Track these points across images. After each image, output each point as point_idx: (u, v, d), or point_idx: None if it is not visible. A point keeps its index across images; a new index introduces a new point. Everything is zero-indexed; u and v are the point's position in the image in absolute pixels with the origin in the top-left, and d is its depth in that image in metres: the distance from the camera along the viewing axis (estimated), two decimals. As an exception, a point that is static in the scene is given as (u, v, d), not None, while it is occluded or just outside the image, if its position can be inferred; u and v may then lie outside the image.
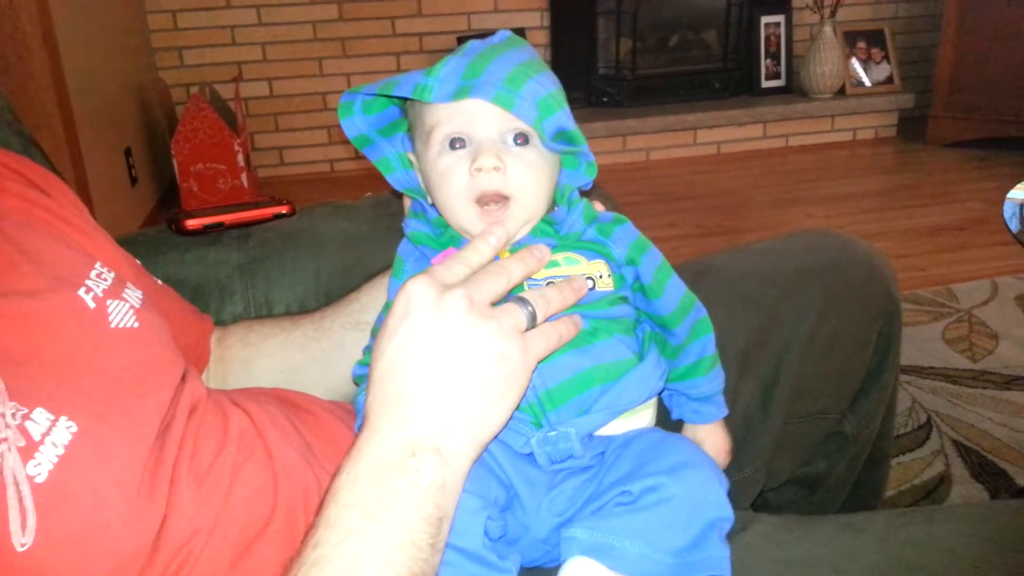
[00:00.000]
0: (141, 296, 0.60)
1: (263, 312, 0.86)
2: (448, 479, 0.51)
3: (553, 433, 0.57)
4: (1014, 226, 1.31)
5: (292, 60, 3.36)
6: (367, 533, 0.47)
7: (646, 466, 0.55)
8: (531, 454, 0.57)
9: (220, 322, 0.81)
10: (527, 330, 0.54)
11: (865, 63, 3.68)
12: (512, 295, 0.56)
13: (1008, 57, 3.27)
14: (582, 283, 0.59)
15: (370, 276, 0.75)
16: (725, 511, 0.55)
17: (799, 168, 3.40)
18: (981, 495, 1.41)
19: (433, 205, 0.64)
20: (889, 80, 3.68)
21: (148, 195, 2.94)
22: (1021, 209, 1.36)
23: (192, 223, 0.91)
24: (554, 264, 0.60)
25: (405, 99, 0.63)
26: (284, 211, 0.96)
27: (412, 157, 0.65)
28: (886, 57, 3.69)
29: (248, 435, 0.57)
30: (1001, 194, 1.43)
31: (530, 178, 0.60)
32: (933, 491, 1.43)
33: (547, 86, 0.60)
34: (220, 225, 0.93)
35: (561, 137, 0.60)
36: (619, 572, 0.52)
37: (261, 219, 0.95)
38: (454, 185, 0.59)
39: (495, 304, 0.55)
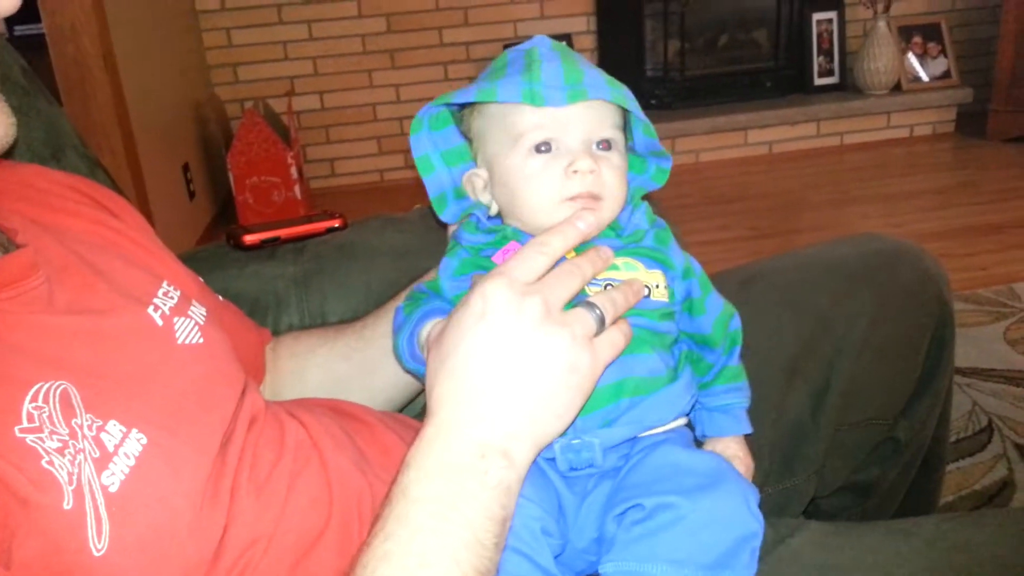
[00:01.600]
0: (205, 312, 0.63)
1: (317, 323, 0.89)
2: (512, 481, 0.52)
3: (577, 441, 0.57)
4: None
5: (342, 73, 3.43)
6: (437, 530, 0.49)
7: (664, 483, 0.55)
8: (550, 460, 0.58)
9: (277, 334, 0.84)
10: (596, 335, 0.55)
11: (921, 58, 3.60)
12: (580, 298, 0.56)
13: (1072, 47, 3.16)
14: (640, 286, 0.60)
15: (412, 282, 0.77)
16: (751, 526, 0.54)
17: (854, 167, 3.33)
18: (1045, 501, 1.37)
19: (493, 216, 0.65)
20: (946, 75, 3.59)
21: (206, 209, 3.02)
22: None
23: (250, 238, 0.95)
24: (614, 268, 0.60)
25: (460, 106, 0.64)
26: (337, 224, 0.99)
27: (478, 172, 0.65)
28: (943, 51, 3.60)
29: (304, 445, 0.60)
30: (1064, 190, 1.39)
31: (618, 180, 0.61)
32: (995, 496, 1.40)
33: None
34: (276, 239, 0.96)
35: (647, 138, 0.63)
36: None
37: (315, 233, 0.98)
38: (546, 187, 0.60)
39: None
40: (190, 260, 0.76)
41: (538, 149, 0.60)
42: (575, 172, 0.59)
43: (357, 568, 0.49)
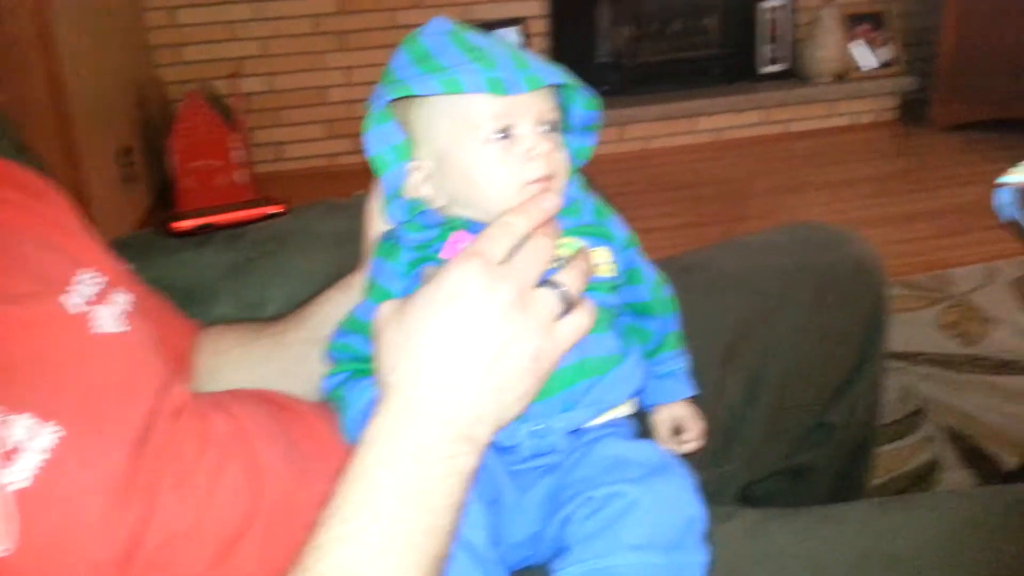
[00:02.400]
0: (129, 300, 0.61)
1: (253, 315, 0.87)
2: (474, 467, 0.52)
3: (541, 426, 0.57)
4: (1006, 213, 1.31)
5: (291, 55, 3.36)
6: (399, 516, 0.48)
7: (610, 474, 0.56)
8: (511, 448, 0.58)
9: (208, 326, 0.82)
10: (561, 313, 0.55)
11: (867, 46, 3.66)
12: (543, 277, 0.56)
13: (1009, 38, 3.24)
14: (589, 253, 0.60)
15: (325, 287, 0.75)
16: (696, 509, 0.56)
17: (800, 154, 3.38)
18: (970, 481, 1.42)
19: (437, 210, 0.63)
20: (891, 63, 3.66)
21: (145, 194, 2.94)
22: (1016, 193, 1.36)
23: (182, 225, 0.93)
24: (558, 246, 0.59)
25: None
26: (277, 210, 0.97)
27: (421, 164, 0.62)
28: (888, 40, 3.66)
29: (231, 438, 0.58)
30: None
31: (565, 159, 0.62)
32: (923, 478, 1.44)
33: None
34: (211, 226, 0.94)
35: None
36: None
37: (253, 219, 0.96)
38: (508, 172, 0.59)
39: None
40: (119, 246, 0.74)
41: (498, 136, 0.59)
42: (534, 156, 0.59)
43: (308, 550, 0.48)
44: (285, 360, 0.74)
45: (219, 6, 3.26)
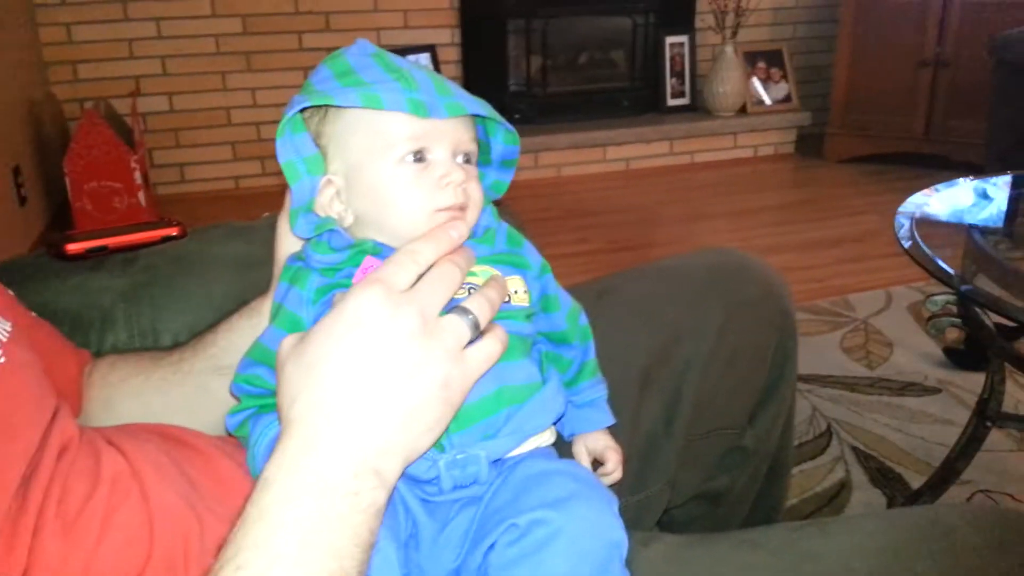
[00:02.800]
0: (10, 329, 0.56)
1: (148, 341, 0.82)
2: (382, 503, 0.49)
3: (462, 456, 0.55)
4: (905, 240, 1.37)
5: (194, 74, 3.26)
6: (300, 559, 0.44)
7: (530, 496, 0.54)
8: (432, 480, 0.56)
9: (101, 354, 0.76)
10: (470, 340, 0.53)
11: (765, 82, 3.81)
12: (452, 303, 0.54)
13: (897, 77, 3.45)
14: (503, 279, 0.59)
15: (229, 313, 0.71)
16: (618, 533, 0.54)
17: (705, 184, 3.49)
18: (879, 500, 1.46)
19: (345, 229, 0.61)
20: (787, 99, 3.83)
21: (38, 216, 2.79)
22: (911, 223, 1.42)
23: (73, 247, 0.86)
24: (472, 275, 0.59)
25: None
26: (174, 233, 0.92)
27: (333, 181, 0.60)
28: (784, 77, 3.83)
29: (123, 477, 0.54)
30: (893, 207, 1.49)
31: (480, 191, 0.61)
32: (834, 498, 1.48)
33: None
34: (104, 249, 0.88)
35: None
36: None
37: (149, 242, 0.90)
38: (420, 196, 0.58)
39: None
40: (3, 270, 0.68)
41: (412, 159, 0.58)
42: (448, 184, 0.58)
43: None
44: (185, 391, 0.69)
45: (118, 23, 3.15)
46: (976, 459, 1.38)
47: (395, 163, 0.58)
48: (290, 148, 0.59)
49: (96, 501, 0.51)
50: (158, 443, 0.59)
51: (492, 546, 0.53)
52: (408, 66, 0.59)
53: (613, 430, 0.71)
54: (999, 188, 1.67)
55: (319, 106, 0.60)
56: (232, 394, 0.61)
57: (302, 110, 0.59)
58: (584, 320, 0.68)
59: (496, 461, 0.58)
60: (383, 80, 0.57)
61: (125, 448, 0.56)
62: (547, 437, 0.62)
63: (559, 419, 0.63)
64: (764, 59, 3.82)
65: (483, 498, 0.57)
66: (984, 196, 1.61)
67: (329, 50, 0.62)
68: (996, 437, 1.49)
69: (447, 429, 0.55)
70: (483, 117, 0.63)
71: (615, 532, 0.54)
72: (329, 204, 0.61)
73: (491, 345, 0.54)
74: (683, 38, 3.73)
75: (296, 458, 0.48)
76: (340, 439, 0.48)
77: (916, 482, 1.48)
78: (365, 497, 0.48)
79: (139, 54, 3.20)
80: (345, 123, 0.60)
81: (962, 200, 1.57)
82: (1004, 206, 1.62)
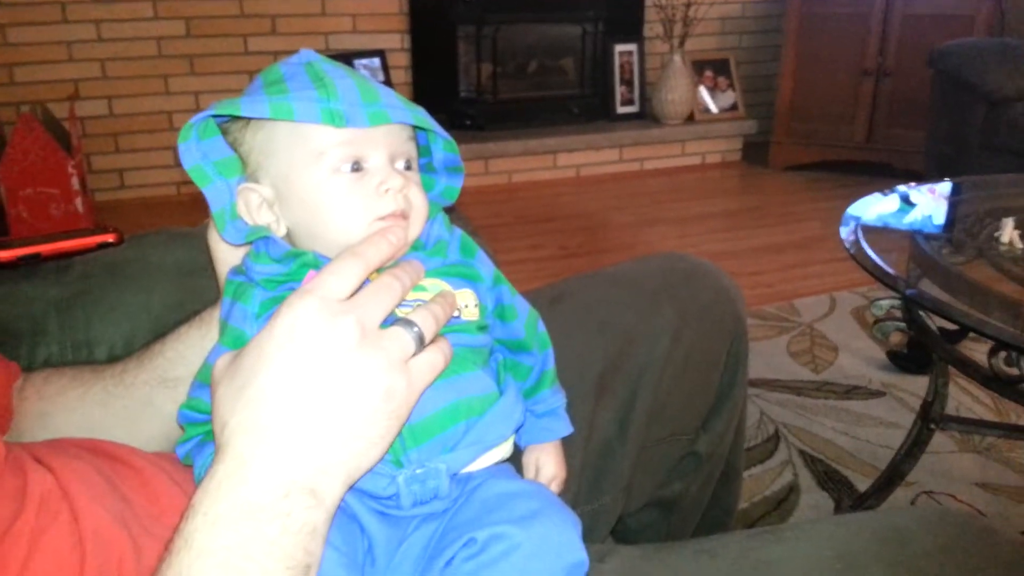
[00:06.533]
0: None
1: (82, 354, 0.78)
2: (320, 523, 0.47)
3: (421, 471, 0.54)
4: (850, 245, 1.39)
5: (135, 77, 3.18)
6: None
7: (493, 513, 0.53)
8: (391, 497, 0.54)
9: (32, 367, 0.73)
10: (414, 354, 0.51)
11: (712, 91, 3.87)
12: (390, 319, 0.52)
13: (840, 86, 3.53)
14: (452, 295, 0.58)
15: (177, 324, 0.68)
16: (579, 555, 0.53)
17: (654, 190, 3.52)
18: (827, 503, 1.48)
19: (282, 238, 0.59)
20: (734, 107, 3.89)
21: (-29, 222, 2.69)
22: (856, 228, 1.44)
23: (3, 255, 0.82)
24: (421, 288, 0.57)
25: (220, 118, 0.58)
26: (110, 239, 0.88)
27: (257, 189, 0.58)
28: (731, 85, 3.89)
29: (51, 497, 0.51)
30: (837, 214, 1.51)
31: (423, 198, 0.60)
32: (783, 501, 1.49)
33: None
34: (36, 257, 0.84)
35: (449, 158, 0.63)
36: None
37: (83, 249, 0.86)
38: (357, 206, 0.56)
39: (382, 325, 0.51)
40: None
41: (349, 168, 0.56)
42: (386, 191, 0.57)
43: None
44: (127, 404, 0.66)
45: (56, 25, 3.05)
46: (920, 461, 1.40)
47: (329, 172, 0.56)
48: (195, 153, 0.58)
49: (22, 523, 0.48)
50: (90, 460, 0.56)
51: (450, 561, 0.51)
52: (338, 74, 0.57)
53: (568, 438, 0.70)
54: (940, 194, 1.71)
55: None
56: (178, 423, 0.58)
57: (217, 117, 0.58)
58: (542, 327, 0.67)
59: (456, 476, 0.56)
60: (303, 89, 0.55)
61: (54, 466, 0.53)
62: (508, 448, 0.61)
63: (518, 428, 0.62)
64: (711, 68, 3.87)
65: (445, 514, 0.55)
66: (925, 202, 1.65)
67: (275, 54, 0.60)
68: (939, 439, 1.52)
69: (404, 445, 0.54)
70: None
71: (576, 554, 0.53)
72: (257, 212, 0.59)
73: (433, 355, 0.52)
74: (632, 46, 3.76)
75: (223, 483, 0.46)
76: (271, 460, 0.46)
77: (862, 484, 1.50)
78: (298, 518, 0.46)
79: (78, 57, 3.11)
80: (267, 133, 0.58)
81: (904, 206, 1.61)
82: (945, 212, 1.66)
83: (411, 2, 3.43)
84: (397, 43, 3.47)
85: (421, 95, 3.46)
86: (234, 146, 0.59)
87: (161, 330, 0.75)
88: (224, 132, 0.59)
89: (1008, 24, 3.21)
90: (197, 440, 0.57)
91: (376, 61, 3.41)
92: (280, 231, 0.59)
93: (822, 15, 3.51)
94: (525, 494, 0.56)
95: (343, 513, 0.52)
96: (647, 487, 0.89)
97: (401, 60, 3.49)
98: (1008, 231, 1.40)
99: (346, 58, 3.22)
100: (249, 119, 0.58)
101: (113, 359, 0.73)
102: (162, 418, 0.62)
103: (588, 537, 0.57)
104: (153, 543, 0.50)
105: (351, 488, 0.51)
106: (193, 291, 0.83)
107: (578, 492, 0.79)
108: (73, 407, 0.66)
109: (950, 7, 3.29)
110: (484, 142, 3.44)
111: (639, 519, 0.94)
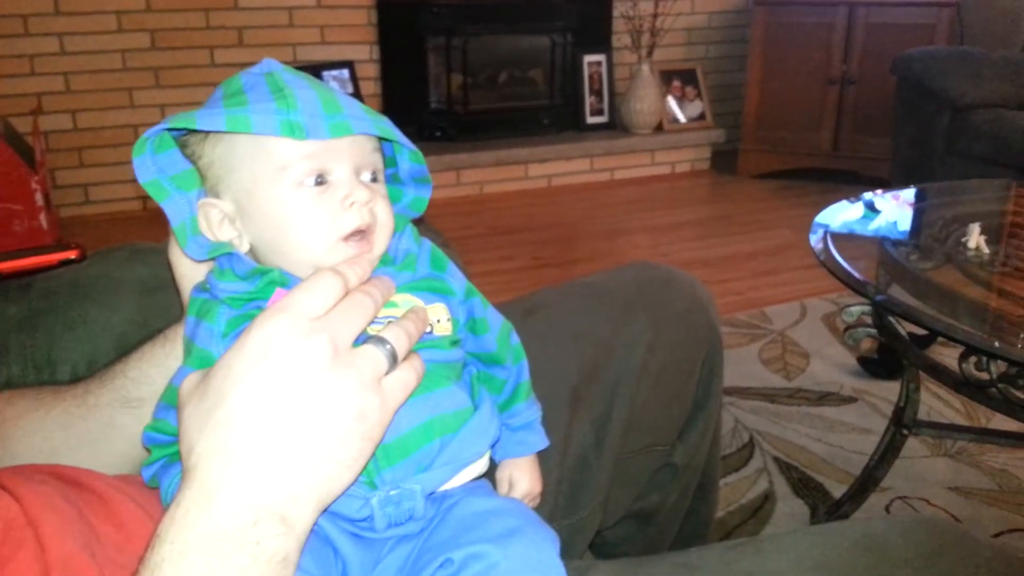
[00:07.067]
0: None
1: (44, 374, 0.76)
2: (291, 550, 0.45)
3: (396, 492, 0.52)
4: (820, 252, 1.40)
5: (99, 91, 3.13)
6: None
7: (470, 532, 0.52)
8: (365, 519, 0.52)
9: (-9, 389, 0.70)
10: (387, 372, 0.50)
11: (680, 100, 3.90)
12: (363, 337, 0.51)
13: (806, 95, 3.58)
14: (424, 311, 0.56)
15: (141, 342, 0.67)
16: (558, 572, 0.52)
17: (625, 200, 3.53)
18: (802, 510, 1.48)
19: (245, 254, 0.57)
20: (702, 116, 3.92)
21: (-71, 239, 2.62)
22: (825, 235, 1.46)
23: (-41, 274, 0.80)
24: (392, 305, 0.56)
25: (183, 132, 0.57)
26: (72, 256, 0.86)
27: (217, 204, 0.57)
28: (699, 95, 3.92)
29: (16, 524, 0.49)
30: (806, 221, 1.53)
31: (389, 211, 0.58)
32: (759, 509, 1.49)
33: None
34: (-4, 275, 0.82)
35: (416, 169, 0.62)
36: None
37: (45, 266, 0.84)
38: (322, 220, 0.55)
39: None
40: None
41: (313, 181, 0.55)
42: (352, 204, 0.55)
43: None
44: (89, 426, 0.64)
45: (17, 38, 3.00)
46: (893, 466, 1.41)
47: (293, 187, 0.55)
48: (151, 167, 0.56)
49: (-18, 553, 0.46)
50: (56, 486, 0.54)
51: None
52: (299, 84, 0.55)
53: (544, 452, 0.69)
54: (906, 201, 1.74)
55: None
56: (143, 445, 0.56)
57: (173, 130, 0.56)
58: (516, 339, 0.65)
59: (432, 495, 0.55)
60: (262, 101, 0.54)
61: (19, 492, 0.51)
62: (484, 464, 0.60)
63: (494, 444, 0.60)
64: (679, 78, 3.90)
65: (420, 534, 0.54)
66: (892, 209, 1.67)
67: (243, 65, 0.59)
68: (911, 444, 1.53)
69: (378, 466, 0.52)
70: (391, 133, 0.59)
71: (554, 571, 0.52)
72: (219, 228, 0.57)
73: (406, 373, 0.51)
74: (601, 56, 3.78)
75: (190, 510, 0.44)
76: (239, 486, 0.45)
77: (837, 491, 1.51)
78: (268, 546, 0.44)
79: (40, 70, 3.05)
80: (227, 147, 0.56)
81: (872, 213, 1.62)
82: (912, 218, 1.68)
83: (380, 13, 3.42)
84: (366, 54, 3.46)
85: (391, 106, 3.44)
86: (192, 159, 0.57)
87: (125, 348, 0.73)
88: (182, 145, 0.57)
89: (967, 33, 3.28)
90: (163, 462, 0.56)
91: (345, 72, 3.39)
92: (243, 247, 0.57)
93: (787, 24, 3.56)
94: (502, 511, 0.55)
95: (316, 536, 0.51)
96: (624, 500, 0.89)
97: (370, 71, 3.48)
98: (975, 236, 1.41)
99: (314, 69, 3.20)
100: (207, 132, 0.56)
101: (76, 379, 0.70)
102: (125, 440, 0.61)
103: (566, 552, 0.56)
104: (119, 571, 0.49)
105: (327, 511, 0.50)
106: (157, 308, 0.81)
107: (555, 506, 0.78)
108: (34, 430, 0.64)
109: (912, 17, 3.35)
110: (455, 153, 3.43)
111: (616, 532, 0.94)
